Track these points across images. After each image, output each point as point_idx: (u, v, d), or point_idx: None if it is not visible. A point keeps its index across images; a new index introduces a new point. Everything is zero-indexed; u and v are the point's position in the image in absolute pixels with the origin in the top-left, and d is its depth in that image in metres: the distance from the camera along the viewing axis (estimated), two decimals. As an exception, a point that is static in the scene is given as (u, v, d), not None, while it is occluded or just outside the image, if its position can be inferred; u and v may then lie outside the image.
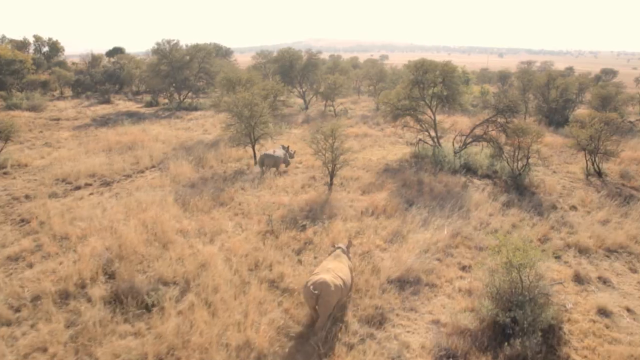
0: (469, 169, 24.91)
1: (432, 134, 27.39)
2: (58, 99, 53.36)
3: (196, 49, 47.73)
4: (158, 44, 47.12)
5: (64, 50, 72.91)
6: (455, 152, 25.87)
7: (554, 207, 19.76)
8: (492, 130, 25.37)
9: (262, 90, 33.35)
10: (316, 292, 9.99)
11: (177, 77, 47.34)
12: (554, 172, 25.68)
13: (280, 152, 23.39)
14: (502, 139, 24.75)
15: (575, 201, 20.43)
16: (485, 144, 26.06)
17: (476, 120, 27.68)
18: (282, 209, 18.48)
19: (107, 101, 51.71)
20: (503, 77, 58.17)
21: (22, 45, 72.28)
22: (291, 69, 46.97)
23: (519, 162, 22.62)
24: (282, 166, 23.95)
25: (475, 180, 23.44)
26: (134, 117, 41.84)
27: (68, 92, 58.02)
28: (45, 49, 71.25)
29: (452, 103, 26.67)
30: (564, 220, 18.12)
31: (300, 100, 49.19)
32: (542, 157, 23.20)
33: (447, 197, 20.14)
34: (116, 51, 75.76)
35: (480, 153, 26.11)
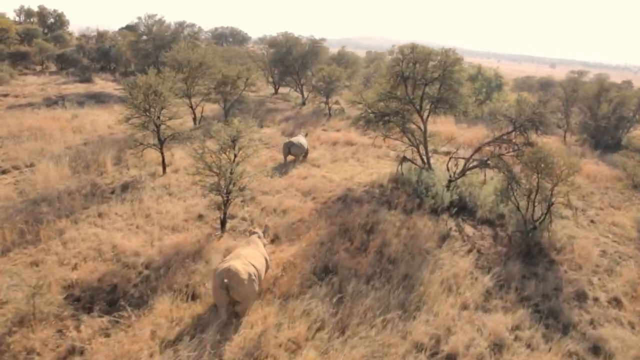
0: (463, 208, 17.05)
1: (422, 150, 19.55)
2: (38, 73, 48.02)
3: (182, 26, 41.09)
4: (139, 18, 40.80)
5: (68, 23, 68.24)
6: (449, 180, 17.99)
7: (582, 298, 11.77)
8: (507, 152, 17.40)
9: (218, 74, 26.27)
10: (225, 280, 8.96)
11: (158, 57, 40.88)
12: (592, 222, 17.45)
13: (304, 140, 22.19)
14: (519, 167, 16.83)
15: (619, 286, 12.35)
16: (494, 171, 18.05)
17: (486, 136, 19.57)
18: (107, 264, 11.30)
19: (88, 80, 45.85)
20: (545, 84, 48.89)
21: (28, 15, 68.26)
22: (288, 57, 39.60)
23: (537, 208, 14.64)
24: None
25: (468, 228, 15.59)
26: (94, 100, 35.59)
27: (54, 67, 52.71)
28: (50, 20, 66.74)
29: (450, 108, 18.78)
30: (596, 337, 10.13)
31: (298, 95, 41.80)
32: (574, 199, 15.12)
33: (404, 262, 12.44)
34: (130, 29, 70.63)
35: (484, 185, 18.15)
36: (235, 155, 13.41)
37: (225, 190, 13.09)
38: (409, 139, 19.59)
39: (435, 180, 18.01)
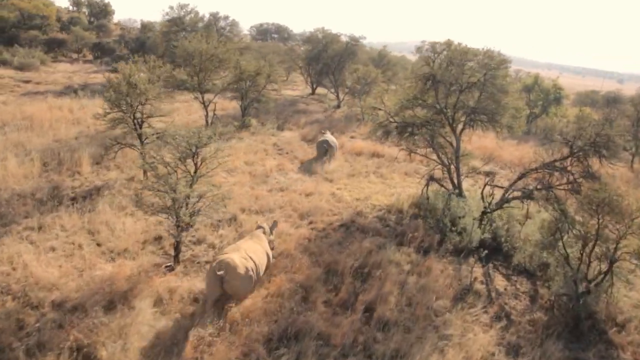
0: (497, 250, 13.54)
1: (454, 171, 16.10)
2: (72, 60, 47.35)
3: (216, 18, 38.97)
4: (171, 7, 39.01)
5: (114, 13, 68.22)
6: (483, 211, 14.48)
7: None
8: (560, 184, 13.78)
9: (234, 68, 23.67)
10: (220, 272, 8.48)
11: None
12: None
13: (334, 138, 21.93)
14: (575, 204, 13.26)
15: None
16: (541, 204, 14.38)
17: (535, 159, 15.84)
18: (7, 298, 8.69)
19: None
20: (612, 100, 43.55)
21: (78, 4, 68.78)
22: (324, 55, 36.65)
23: (593, 263, 11.00)
24: None
25: (499, 280, 12.11)
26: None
27: (91, 55, 52.12)
28: (97, 9, 66.89)
29: (490, 122, 15.27)
30: None
31: (335, 97, 38.75)
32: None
33: (400, 329, 9.18)
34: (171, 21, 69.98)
35: (527, 221, 14.54)
36: (196, 168, 10.53)
37: (175, 214, 10.24)
38: (438, 157, 16.20)
39: (465, 210, 14.55)
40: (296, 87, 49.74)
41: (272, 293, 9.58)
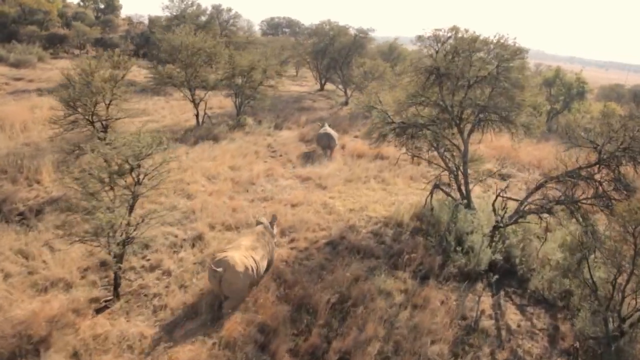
0: (510, 273, 11.51)
1: (462, 178, 14.03)
2: (73, 57, 46.06)
3: (218, 10, 37.21)
4: (171, 0, 37.35)
5: (120, 8, 66.93)
6: (495, 226, 12.41)
7: None
8: (586, 198, 11.67)
9: (226, 64, 21.84)
10: (219, 269, 8.27)
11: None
12: None
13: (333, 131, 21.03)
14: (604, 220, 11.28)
15: None
16: (562, 219, 12.28)
17: (557, 161, 13.61)
18: None
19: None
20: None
21: (83, -1, 67.70)
22: (330, 49, 34.60)
23: (628, 298, 8.91)
24: None
25: (511, 312, 10.09)
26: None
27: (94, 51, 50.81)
28: (101, 5, 65.73)
29: (503, 122, 13.17)
30: None
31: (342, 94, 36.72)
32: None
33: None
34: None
35: (547, 236, 12.44)
36: (137, 183, 8.72)
37: (109, 241, 8.43)
38: (444, 162, 14.16)
39: (474, 224, 12.51)
40: (306, 82, 47.77)
41: (223, 341, 7.72)
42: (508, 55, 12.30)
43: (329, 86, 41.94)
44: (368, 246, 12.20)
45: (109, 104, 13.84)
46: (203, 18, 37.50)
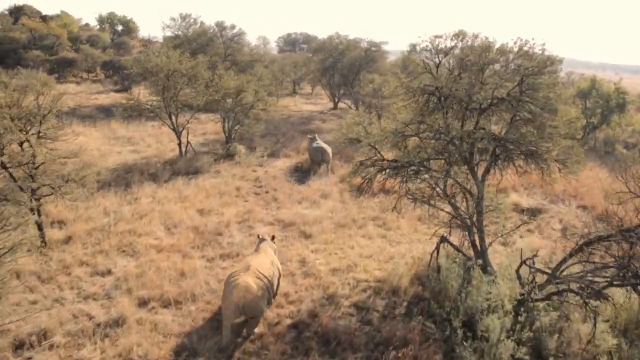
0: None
1: (476, 232, 10.73)
2: (80, 81, 44.80)
3: (220, 28, 34.99)
4: (173, 19, 35.40)
5: (138, 30, 66.21)
6: (520, 299, 9.06)
7: None
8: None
9: (209, 88, 19.20)
10: (240, 303, 8.46)
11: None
12: None
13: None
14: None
15: None
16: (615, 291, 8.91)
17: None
18: None
19: (127, 89, 41.54)
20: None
21: (102, 21, 67.39)
22: (338, 65, 31.75)
23: None
24: None
25: None
26: (107, 114, 30.29)
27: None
28: (119, 27, 65.17)
29: (530, 157, 9.88)
30: None
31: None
32: None
33: None
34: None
35: (599, 320, 9.02)
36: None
37: None
38: (454, 209, 10.94)
39: (491, 298, 9.25)
40: (320, 100, 45.03)
41: None
42: (535, 68, 9.05)
43: (343, 105, 39.12)
44: (347, 330, 9.07)
45: (21, 144, 11.27)
46: (204, 38, 35.10)
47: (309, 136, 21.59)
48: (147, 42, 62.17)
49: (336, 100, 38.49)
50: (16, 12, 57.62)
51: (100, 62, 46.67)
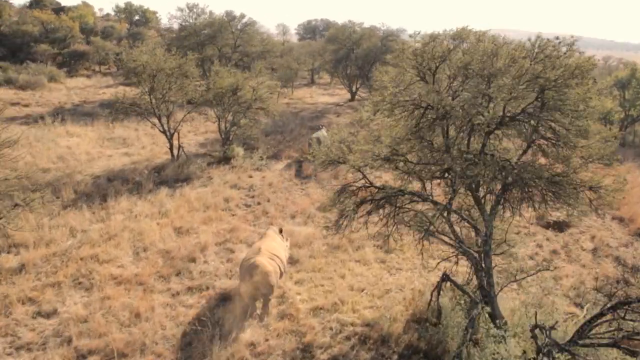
0: None
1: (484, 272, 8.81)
2: (90, 74, 43.93)
3: (230, 17, 33.32)
4: (179, 9, 33.91)
5: (159, 19, 65.39)
6: (536, 358, 7.18)
7: None
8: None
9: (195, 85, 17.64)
10: (255, 278, 9.11)
11: (202, 53, 33.81)
12: None
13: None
14: None
15: None
16: None
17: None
18: None
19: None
20: None
21: (118, 11, 66.74)
22: (351, 56, 29.69)
23: None
24: None
25: None
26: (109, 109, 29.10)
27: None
28: (136, 17, 64.31)
29: (553, 190, 7.88)
30: None
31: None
32: None
33: None
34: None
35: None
36: None
37: None
38: (458, 242, 9.04)
39: (501, 354, 7.43)
40: (339, 91, 42.99)
41: None
42: (560, 78, 7.00)
43: (363, 94, 37.00)
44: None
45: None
46: (213, 28, 33.50)
47: (319, 126, 21.14)
48: (162, 33, 61.18)
49: (353, 91, 36.48)
50: (35, 5, 57.20)
51: (113, 55, 45.71)
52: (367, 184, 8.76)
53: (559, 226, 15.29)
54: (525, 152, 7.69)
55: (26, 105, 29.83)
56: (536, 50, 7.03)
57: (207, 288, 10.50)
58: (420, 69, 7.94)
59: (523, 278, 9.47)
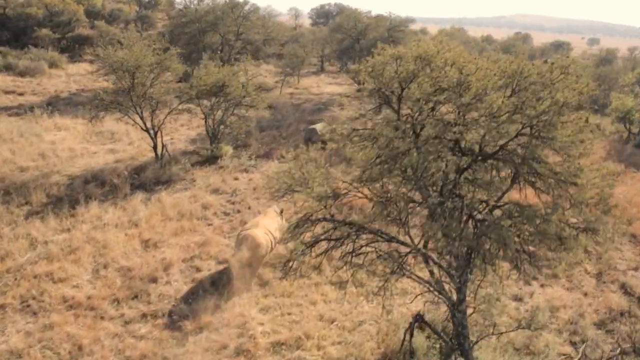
0: None
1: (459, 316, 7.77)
2: (94, 60, 43.14)
3: (231, 5, 32.15)
4: (180, -7, 32.87)
5: (173, 4, 64.21)
6: None
7: None
8: None
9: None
10: (246, 248, 10.23)
11: (199, 44, 32.88)
12: None
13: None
14: None
15: None
16: None
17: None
18: None
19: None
20: None
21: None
22: (356, 47, 28.39)
23: None
24: None
25: None
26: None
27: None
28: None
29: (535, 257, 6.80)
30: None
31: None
32: None
33: None
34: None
35: None
36: None
37: None
38: (433, 280, 7.99)
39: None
40: (348, 80, 41.61)
41: None
42: (545, 115, 5.80)
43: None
44: None
45: None
46: (215, 14, 32.40)
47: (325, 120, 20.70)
48: (171, 17, 60.14)
49: (361, 82, 35.15)
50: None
51: (117, 39, 44.84)
52: (327, 216, 7.71)
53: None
54: (501, 197, 6.56)
55: (21, 94, 29.27)
56: (517, 80, 5.85)
57: (163, 315, 9.65)
58: (382, 93, 6.83)
59: (500, 333, 8.39)
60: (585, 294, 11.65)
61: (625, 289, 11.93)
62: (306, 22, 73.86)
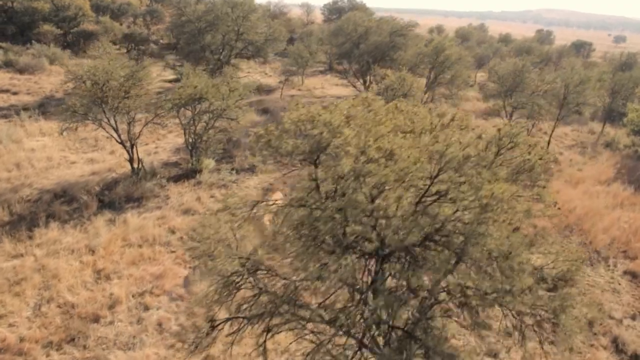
0: None
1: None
2: (100, 55, 42.70)
3: (231, 4, 31.24)
4: (179, -9, 32.12)
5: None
6: None
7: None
8: None
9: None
10: None
11: (199, 43, 32.10)
12: None
13: None
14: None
15: None
16: None
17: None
18: None
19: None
20: None
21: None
22: (355, 52, 27.28)
23: None
24: None
25: None
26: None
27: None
28: (154, -5, 62.69)
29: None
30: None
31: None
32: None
33: None
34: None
35: None
36: None
37: None
38: None
39: None
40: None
41: None
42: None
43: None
44: None
45: None
46: (216, 14, 31.54)
47: None
48: (171, 15, 59.57)
49: (366, 84, 34.02)
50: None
51: (121, 35, 44.38)
52: (248, 283, 6.80)
53: (555, 283, 12.98)
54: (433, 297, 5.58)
55: (15, 93, 28.83)
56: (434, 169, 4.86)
57: (98, 365, 8.90)
58: (306, 154, 5.89)
59: None
60: (571, 349, 10.55)
61: (617, 345, 10.83)
62: (319, 17, 72.57)
